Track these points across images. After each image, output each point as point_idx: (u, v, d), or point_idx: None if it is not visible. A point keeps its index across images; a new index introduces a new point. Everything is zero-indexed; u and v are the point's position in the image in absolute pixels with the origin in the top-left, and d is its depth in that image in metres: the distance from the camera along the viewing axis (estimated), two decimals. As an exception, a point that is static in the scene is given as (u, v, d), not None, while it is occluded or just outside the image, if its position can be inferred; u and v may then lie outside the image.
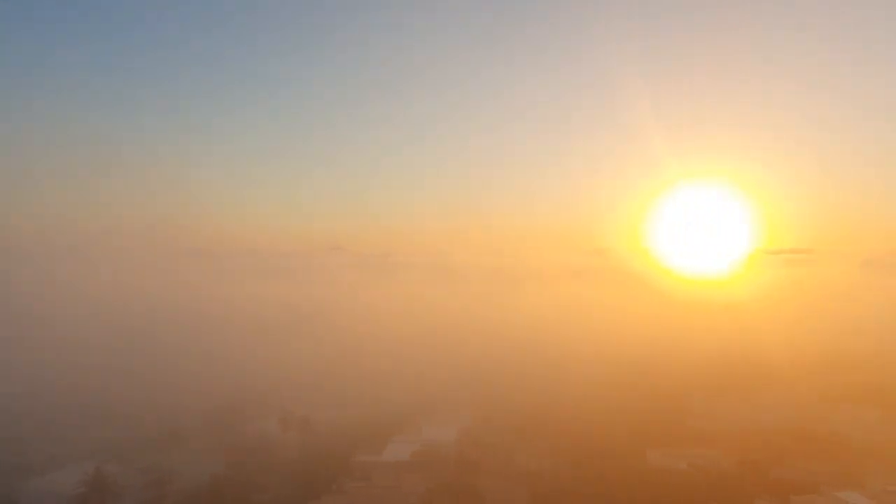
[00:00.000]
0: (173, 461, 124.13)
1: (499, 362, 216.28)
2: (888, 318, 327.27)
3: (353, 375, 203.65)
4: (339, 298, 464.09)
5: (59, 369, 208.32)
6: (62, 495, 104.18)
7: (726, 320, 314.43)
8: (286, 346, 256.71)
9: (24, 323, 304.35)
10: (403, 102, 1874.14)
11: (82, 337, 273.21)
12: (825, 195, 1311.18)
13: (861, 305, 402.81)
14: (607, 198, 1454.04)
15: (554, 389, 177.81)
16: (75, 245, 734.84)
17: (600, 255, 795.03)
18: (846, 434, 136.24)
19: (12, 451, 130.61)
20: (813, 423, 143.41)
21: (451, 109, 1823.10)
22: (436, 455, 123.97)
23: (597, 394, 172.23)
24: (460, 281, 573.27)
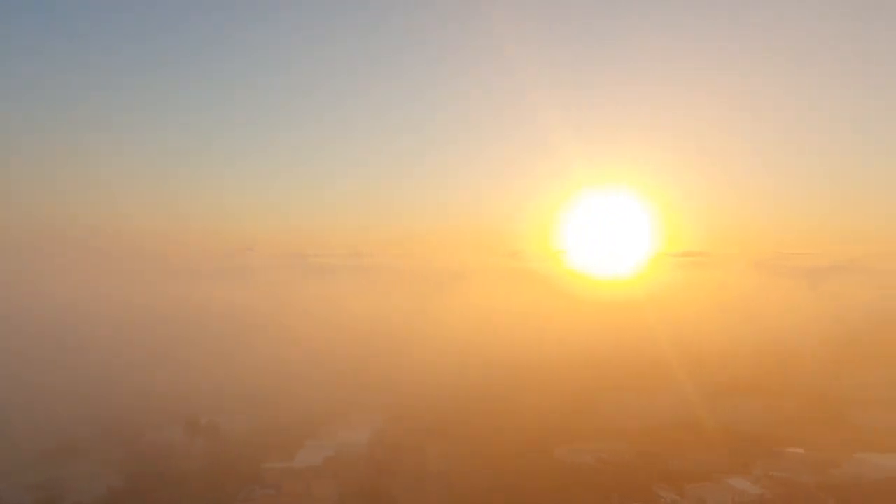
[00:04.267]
0: (68, 475, 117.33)
1: (410, 364, 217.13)
2: (772, 316, 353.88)
3: (264, 379, 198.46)
4: (251, 300, 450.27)
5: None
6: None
7: (629, 321, 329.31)
8: (193, 350, 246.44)
9: None
10: (312, 100, 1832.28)
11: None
12: (721, 199, 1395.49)
13: (749, 305, 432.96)
14: (520, 201, 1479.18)
15: (464, 391, 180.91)
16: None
17: (513, 257, 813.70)
18: (733, 424, 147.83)
19: None
20: (704, 415, 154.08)
21: (362, 109, 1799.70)
22: (348, 459, 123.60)
23: (507, 395, 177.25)
24: (373, 282, 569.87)
